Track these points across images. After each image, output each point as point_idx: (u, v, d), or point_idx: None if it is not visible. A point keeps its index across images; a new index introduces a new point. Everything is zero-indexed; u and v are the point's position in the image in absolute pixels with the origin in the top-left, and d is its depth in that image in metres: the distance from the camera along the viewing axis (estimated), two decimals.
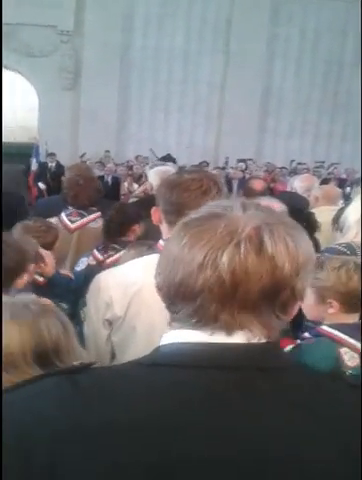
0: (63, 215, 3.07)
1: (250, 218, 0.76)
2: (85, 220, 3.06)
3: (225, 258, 0.72)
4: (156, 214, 1.59)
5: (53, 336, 1.32)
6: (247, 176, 11.22)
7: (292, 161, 14.41)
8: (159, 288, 0.82)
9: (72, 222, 3.05)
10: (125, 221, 2.77)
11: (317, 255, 2.35)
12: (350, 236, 2.31)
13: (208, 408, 0.72)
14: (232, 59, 15.09)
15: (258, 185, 4.04)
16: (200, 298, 0.74)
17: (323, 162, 14.21)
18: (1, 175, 5.11)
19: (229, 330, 0.76)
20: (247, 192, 4.00)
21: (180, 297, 0.77)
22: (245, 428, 0.71)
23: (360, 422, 0.73)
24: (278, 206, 2.52)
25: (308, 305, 1.73)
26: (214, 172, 10.71)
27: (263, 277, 0.73)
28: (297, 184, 4.40)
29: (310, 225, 3.18)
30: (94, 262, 2.65)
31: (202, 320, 0.76)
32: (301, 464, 0.70)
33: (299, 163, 13.60)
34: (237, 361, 0.76)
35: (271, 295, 0.74)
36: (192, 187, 1.50)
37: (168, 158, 11.11)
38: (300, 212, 3.14)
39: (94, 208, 3.12)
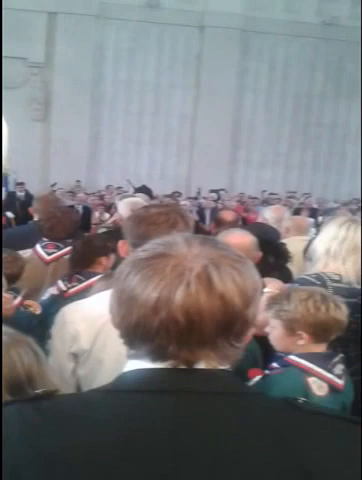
0: (38, 246, 3.10)
1: (196, 256, 0.78)
2: (60, 253, 3.09)
3: (178, 299, 0.74)
4: (123, 247, 1.63)
5: (25, 365, 1.33)
6: (219, 206, 11.26)
7: (264, 191, 14.54)
8: (116, 327, 0.83)
9: (48, 254, 3.07)
10: (91, 252, 2.77)
11: (287, 286, 2.32)
12: (319, 267, 2.27)
13: (170, 433, 0.74)
14: (203, 92, 15.30)
15: (228, 216, 4.00)
16: (157, 338, 0.77)
17: (295, 192, 14.38)
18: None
19: (189, 364, 0.79)
20: (218, 223, 3.95)
21: (138, 337, 0.79)
22: (209, 452, 0.73)
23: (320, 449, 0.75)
24: (248, 238, 2.43)
25: (277, 337, 1.78)
26: (186, 202, 10.75)
27: (216, 314, 0.75)
28: (268, 215, 4.40)
29: (281, 256, 3.16)
30: (57, 292, 2.67)
31: (161, 358, 0.79)
32: None
33: (271, 193, 13.74)
34: (200, 386, 0.78)
35: (225, 328, 0.77)
36: (159, 221, 1.55)
37: (144, 189, 11.08)
38: (271, 243, 3.09)
39: (70, 240, 3.14)
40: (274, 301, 1.80)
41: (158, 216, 1.56)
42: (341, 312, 1.77)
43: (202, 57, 15.20)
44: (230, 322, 0.77)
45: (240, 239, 2.43)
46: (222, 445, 0.74)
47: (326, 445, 0.77)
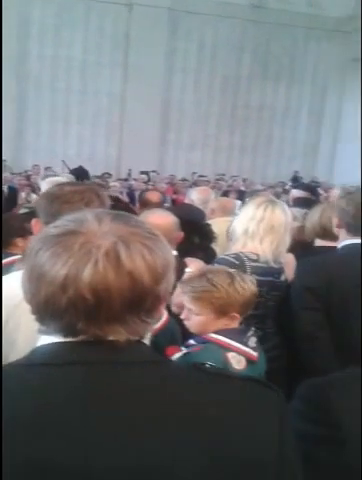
0: None
1: (105, 233, 0.78)
2: None
3: (86, 277, 0.74)
4: (37, 226, 1.57)
5: None
6: (150, 188, 11.20)
7: (194, 173, 14.64)
8: (28, 303, 0.83)
9: None
10: (7, 233, 2.68)
11: (208, 267, 2.36)
12: (238, 246, 2.32)
13: (82, 403, 0.75)
14: (131, 71, 15.10)
15: (154, 197, 3.99)
16: (66, 315, 0.77)
17: (224, 174, 14.56)
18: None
19: (98, 339, 0.79)
20: (143, 204, 3.93)
21: (48, 314, 0.79)
22: (120, 420, 0.74)
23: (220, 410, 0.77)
24: (169, 218, 2.45)
25: (207, 321, 1.79)
26: (116, 184, 10.63)
27: (124, 291, 0.76)
28: (194, 196, 4.42)
29: (206, 236, 3.19)
30: None
31: (71, 334, 0.79)
32: (173, 462, 0.73)
33: (200, 175, 13.83)
34: (109, 356, 0.79)
35: (134, 305, 0.78)
36: (73, 199, 1.51)
37: (80, 171, 10.75)
38: (195, 224, 3.12)
39: None
40: (200, 292, 1.82)
41: (73, 194, 1.51)
42: (254, 286, 1.85)
43: (130, 35, 14.97)
44: (140, 299, 0.77)
45: (161, 219, 2.44)
46: (134, 412, 0.75)
47: (236, 406, 0.80)
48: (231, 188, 12.45)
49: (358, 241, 2.13)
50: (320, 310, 2.09)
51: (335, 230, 2.28)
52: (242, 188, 13.05)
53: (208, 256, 2.90)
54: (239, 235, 2.33)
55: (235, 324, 1.83)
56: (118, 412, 0.75)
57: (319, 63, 16.88)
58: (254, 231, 2.28)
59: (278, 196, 9.67)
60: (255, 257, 2.28)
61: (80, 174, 9.79)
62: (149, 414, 0.75)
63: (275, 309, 2.42)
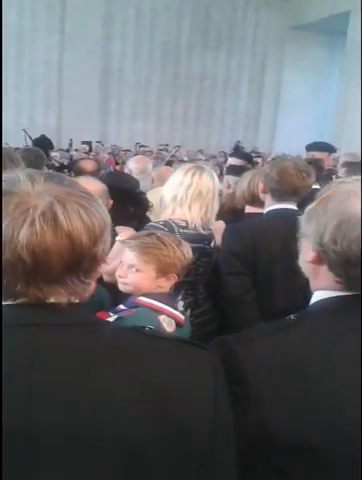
0: None
1: (40, 194, 0.76)
2: None
3: (22, 238, 0.73)
4: None
5: None
6: (91, 158, 10.97)
7: (137, 144, 14.47)
8: None
9: None
10: None
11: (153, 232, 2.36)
12: (168, 213, 2.31)
13: (28, 365, 0.75)
14: (68, 39, 14.61)
15: (88, 165, 3.91)
16: (5, 277, 0.76)
17: (167, 145, 14.47)
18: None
19: (39, 301, 0.79)
20: (77, 172, 3.85)
21: None
22: (66, 379, 0.75)
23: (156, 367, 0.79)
24: (98, 186, 2.43)
25: (147, 279, 1.81)
26: (57, 154, 10.36)
27: (63, 253, 0.75)
28: (132, 165, 4.41)
29: (140, 205, 3.18)
30: None
31: (12, 297, 0.78)
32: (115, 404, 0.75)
33: (141, 145, 13.70)
34: (53, 318, 0.79)
35: (73, 266, 0.77)
36: None
37: (44, 140, 10.34)
38: (130, 193, 3.10)
39: None
40: (150, 247, 1.84)
41: None
42: (191, 253, 1.90)
43: (66, 1, 14.44)
44: (78, 260, 0.77)
45: (90, 186, 2.38)
46: (75, 373, 0.76)
47: (172, 365, 0.81)
48: (174, 158, 12.41)
49: (282, 206, 2.18)
50: (246, 274, 2.14)
51: (261, 196, 2.32)
52: (185, 158, 13.03)
53: (143, 225, 2.89)
54: (168, 202, 2.32)
55: (166, 288, 1.86)
56: (60, 373, 0.76)
57: (259, 31, 16.89)
58: (182, 198, 2.28)
59: (220, 166, 9.74)
60: (184, 224, 2.28)
61: (43, 144, 9.44)
62: (90, 374, 0.76)
63: (206, 275, 2.46)
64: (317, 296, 0.92)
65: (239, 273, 2.15)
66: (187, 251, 1.85)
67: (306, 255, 0.91)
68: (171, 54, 16.06)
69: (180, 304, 1.88)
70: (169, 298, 1.85)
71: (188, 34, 16.02)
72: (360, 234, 0.79)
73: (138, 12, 15.39)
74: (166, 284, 1.83)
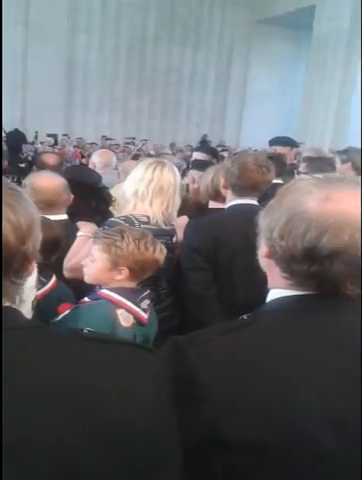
0: None
1: None
2: None
3: None
4: None
5: None
6: (56, 151, 10.84)
7: (103, 137, 14.35)
8: None
9: None
10: None
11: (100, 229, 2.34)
12: (129, 208, 2.30)
13: None
14: (32, 31, 14.40)
15: (50, 159, 3.84)
16: None
17: (134, 138, 14.39)
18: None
19: None
20: (40, 166, 3.78)
21: None
22: None
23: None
24: (57, 180, 2.39)
25: (98, 269, 1.82)
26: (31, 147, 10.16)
27: None
28: (95, 159, 4.38)
29: (103, 199, 3.15)
30: None
31: None
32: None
33: (107, 139, 13.60)
34: None
35: (2, 267, 0.75)
36: None
37: (17, 134, 10.04)
38: (92, 187, 3.06)
39: None
40: (106, 238, 1.83)
41: None
42: (162, 256, 1.88)
43: None
44: (7, 261, 0.75)
45: (49, 181, 2.36)
46: (8, 381, 0.72)
47: (109, 367, 0.78)
48: (140, 152, 12.35)
49: (243, 201, 2.19)
50: (207, 270, 2.14)
51: (223, 191, 2.32)
52: (152, 152, 12.99)
53: (106, 219, 2.87)
54: (129, 197, 2.31)
55: (131, 284, 1.85)
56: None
57: (225, 26, 16.91)
58: (144, 193, 2.27)
59: (187, 160, 9.74)
60: (145, 219, 2.27)
61: (17, 137, 9.25)
62: (28, 382, 0.73)
63: (168, 271, 2.46)
64: (273, 295, 0.92)
65: (200, 268, 2.15)
66: (148, 247, 1.82)
67: (261, 250, 0.91)
68: (137, 48, 15.95)
69: (146, 302, 1.86)
70: (132, 293, 1.84)
71: (154, 28, 15.93)
72: (305, 231, 0.79)
73: (103, 5, 15.23)
74: (119, 277, 1.81)
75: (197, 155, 4.59)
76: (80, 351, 0.79)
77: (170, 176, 2.31)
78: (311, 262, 0.80)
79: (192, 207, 2.98)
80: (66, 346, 0.80)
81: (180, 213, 2.58)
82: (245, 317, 0.88)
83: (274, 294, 0.91)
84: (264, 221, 0.89)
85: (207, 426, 0.80)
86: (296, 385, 0.80)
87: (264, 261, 0.92)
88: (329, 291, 0.83)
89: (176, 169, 2.40)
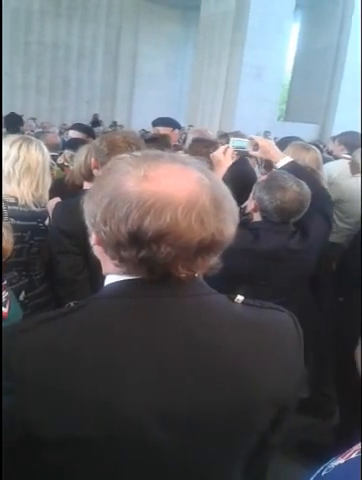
0: None
1: None
2: None
3: None
4: None
5: None
6: None
7: None
8: None
9: None
10: None
11: None
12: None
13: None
14: None
15: None
16: None
17: (22, 115, 13.70)
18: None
19: None
20: None
21: None
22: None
23: None
24: None
25: None
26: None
27: None
28: None
29: None
30: None
31: None
32: None
33: None
34: None
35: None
36: None
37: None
38: None
39: None
40: None
41: None
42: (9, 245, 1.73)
43: None
44: None
45: None
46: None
47: None
48: (27, 130, 11.81)
49: None
50: (77, 254, 2.04)
51: (94, 171, 2.23)
52: (39, 130, 12.46)
53: None
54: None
55: None
56: None
57: (113, 0, 16.50)
58: (10, 172, 2.15)
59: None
60: (13, 200, 2.15)
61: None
62: None
63: (41, 255, 2.34)
64: (108, 280, 0.87)
65: (70, 252, 2.05)
66: None
67: (92, 237, 0.84)
68: (22, 21, 15.20)
69: (4, 294, 1.73)
70: None
71: (40, 0, 15.19)
72: (126, 213, 0.74)
73: None
74: None
75: (72, 133, 4.43)
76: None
77: (38, 154, 2.20)
78: (138, 247, 0.75)
79: (68, 189, 2.85)
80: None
81: (56, 195, 2.46)
82: (72, 304, 0.83)
83: (109, 280, 0.86)
84: (87, 206, 0.82)
85: (21, 421, 0.75)
86: (121, 371, 0.77)
87: (96, 248, 0.85)
88: (160, 275, 0.79)
89: (44, 147, 2.27)
